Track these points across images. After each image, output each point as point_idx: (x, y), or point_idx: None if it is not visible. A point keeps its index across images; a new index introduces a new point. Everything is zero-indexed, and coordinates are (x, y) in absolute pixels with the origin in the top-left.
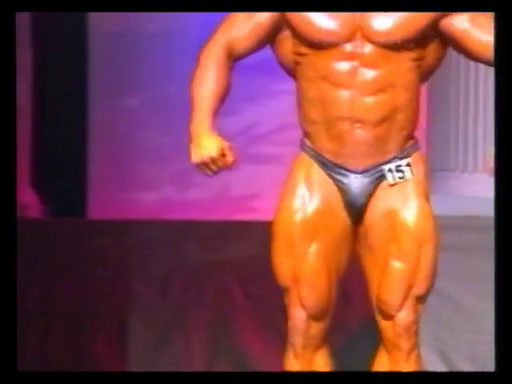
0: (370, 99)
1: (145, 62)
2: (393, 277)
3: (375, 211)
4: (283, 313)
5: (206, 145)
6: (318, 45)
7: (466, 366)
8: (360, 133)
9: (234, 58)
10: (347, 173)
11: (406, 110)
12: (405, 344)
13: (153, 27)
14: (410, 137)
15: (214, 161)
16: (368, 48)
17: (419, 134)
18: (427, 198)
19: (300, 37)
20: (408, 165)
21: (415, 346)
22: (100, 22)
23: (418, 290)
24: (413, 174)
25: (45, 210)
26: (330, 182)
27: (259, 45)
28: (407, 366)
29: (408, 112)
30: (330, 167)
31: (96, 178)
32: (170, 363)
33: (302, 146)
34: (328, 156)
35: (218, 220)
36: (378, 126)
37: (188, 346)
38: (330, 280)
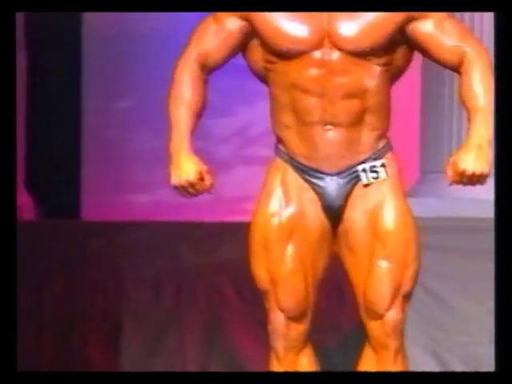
0: (340, 104)
1: (138, 64)
2: (380, 277)
3: (354, 210)
4: None
5: (185, 168)
6: (287, 53)
7: (459, 367)
8: (332, 135)
9: (207, 71)
10: (323, 175)
11: (377, 111)
12: (392, 343)
13: (146, 27)
14: (383, 137)
15: (192, 185)
16: (336, 55)
17: (412, 136)
18: (404, 194)
19: (268, 46)
20: (383, 165)
21: (402, 345)
22: (93, 24)
23: (406, 287)
24: (387, 174)
25: (38, 211)
26: (306, 186)
27: (231, 54)
28: (395, 366)
29: (379, 113)
30: (305, 171)
31: (89, 179)
32: (164, 365)
33: (276, 151)
34: (302, 160)
35: (212, 222)
36: (350, 128)
37: (181, 347)
38: (306, 282)
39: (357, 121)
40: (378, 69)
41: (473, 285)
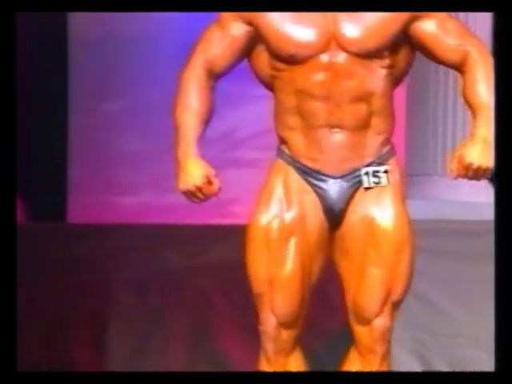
0: (346, 107)
1: (125, 66)
2: (371, 283)
3: (353, 215)
4: None
5: (192, 172)
6: (294, 59)
7: (444, 369)
8: (338, 138)
9: (214, 78)
10: (326, 178)
11: (382, 114)
12: (380, 349)
13: (133, 29)
14: (387, 142)
15: (199, 189)
16: (342, 57)
17: (398, 139)
18: (404, 202)
19: (274, 51)
20: (386, 171)
21: (389, 351)
22: (80, 26)
23: (396, 295)
24: (389, 181)
25: (25, 213)
26: (308, 188)
27: (237, 60)
28: (381, 370)
29: (384, 117)
30: (309, 173)
31: (76, 182)
32: (150, 367)
33: (279, 153)
34: (306, 162)
35: (198, 224)
36: (356, 131)
37: (168, 349)
38: (303, 286)
39: (363, 124)
40: (382, 72)
41: (459, 286)
